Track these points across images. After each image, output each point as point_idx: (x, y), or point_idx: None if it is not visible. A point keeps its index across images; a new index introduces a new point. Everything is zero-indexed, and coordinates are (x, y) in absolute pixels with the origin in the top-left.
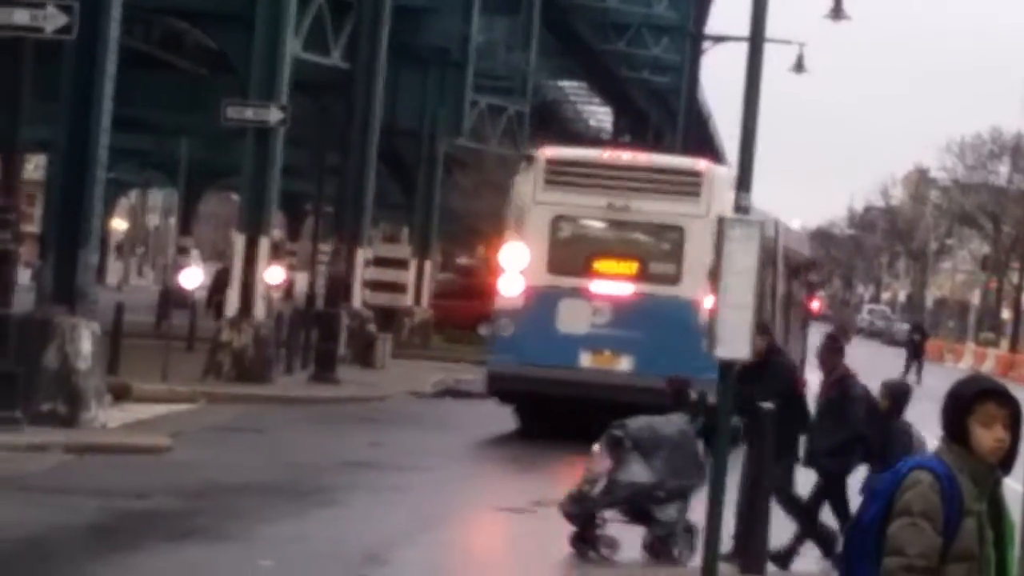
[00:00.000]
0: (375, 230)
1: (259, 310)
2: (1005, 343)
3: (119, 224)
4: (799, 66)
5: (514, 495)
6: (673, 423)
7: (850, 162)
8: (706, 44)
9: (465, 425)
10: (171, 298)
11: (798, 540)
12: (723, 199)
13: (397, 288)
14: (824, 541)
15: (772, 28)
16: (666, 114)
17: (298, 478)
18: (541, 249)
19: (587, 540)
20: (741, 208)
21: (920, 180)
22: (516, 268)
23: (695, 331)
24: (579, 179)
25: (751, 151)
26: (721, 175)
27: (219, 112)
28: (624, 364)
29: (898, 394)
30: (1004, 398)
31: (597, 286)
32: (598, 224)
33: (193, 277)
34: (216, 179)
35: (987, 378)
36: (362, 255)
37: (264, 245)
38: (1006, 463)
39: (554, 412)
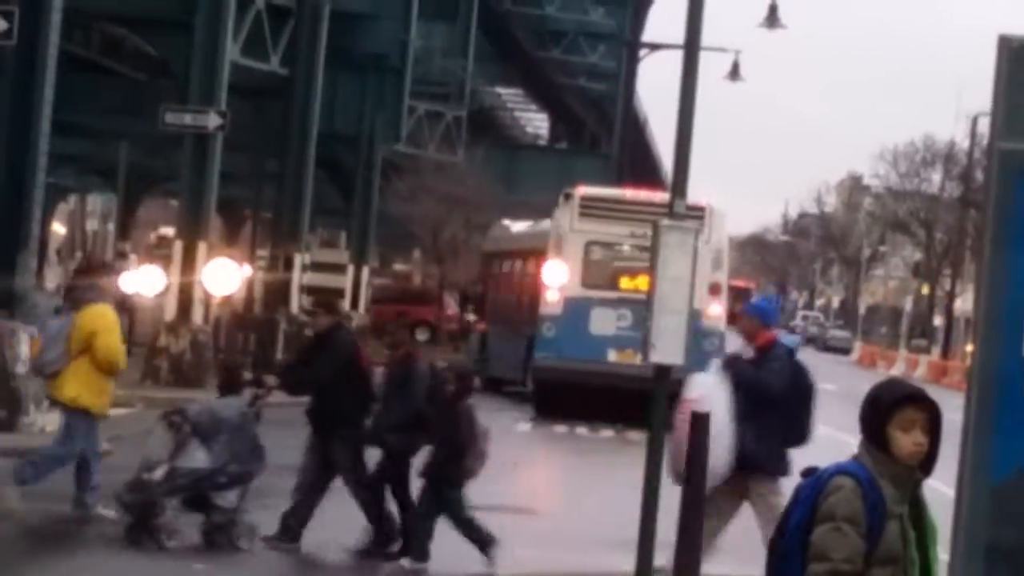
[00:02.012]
0: (312, 235)
1: (197, 315)
2: (937, 350)
3: (58, 229)
4: (734, 73)
5: None
6: (232, 406)
7: (784, 169)
8: (642, 51)
9: None
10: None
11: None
12: (720, 229)
13: (334, 293)
14: (385, 529)
15: (708, 36)
16: (602, 121)
17: None
18: (576, 268)
19: (147, 530)
20: (675, 215)
21: (853, 187)
22: (557, 283)
23: (698, 335)
24: (607, 212)
25: (686, 157)
26: (719, 211)
27: (158, 117)
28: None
29: (463, 376)
30: (922, 402)
31: (621, 297)
32: (622, 248)
33: (133, 281)
34: (155, 184)
35: (905, 382)
36: (300, 260)
37: (202, 250)
38: (926, 466)
39: (583, 398)
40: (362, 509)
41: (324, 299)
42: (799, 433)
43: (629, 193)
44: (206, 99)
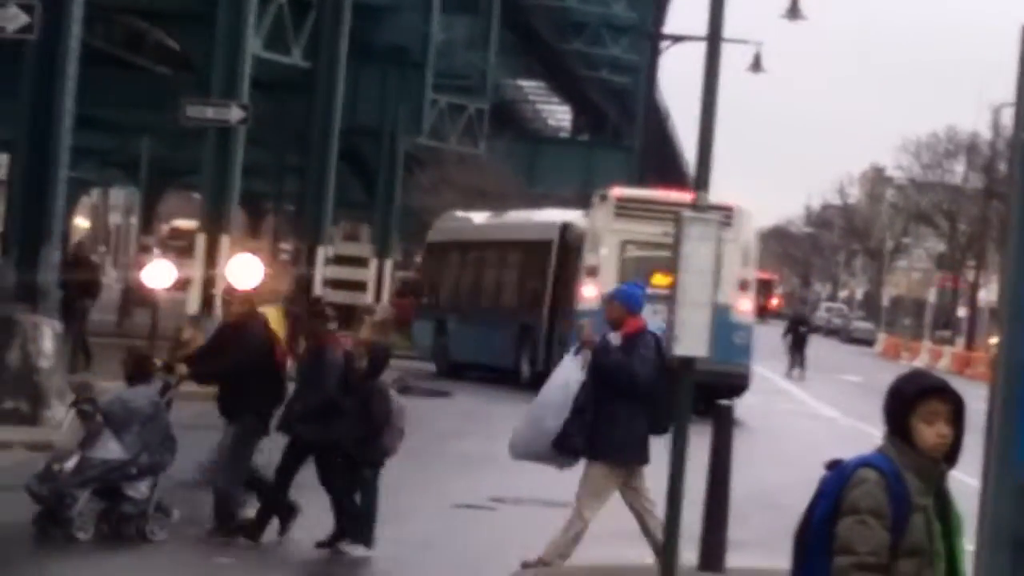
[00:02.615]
0: (335, 228)
1: (220, 308)
2: (961, 341)
3: (81, 223)
4: (756, 65)
5: (470, 492)
6: (143, 395)
7: (807, 161)
8: (664, 44)
9: (421, 422)
10: (132, 296)
11: (266, 512)
12: (748, 228)
13: (357, 286)
14: (285, 515)
15: (730, 28)
16: (624, 113)
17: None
18: (613, 264)
19: (56, 521)
20: (699, 207)
21: (876, 179)
22: (593, 280)
23: (730, 329)
24: (641, 212)
25: (709, 150)
26: (747, 211)
27: (180, 111)
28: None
29: (376, 354)
30: (946, 394)
31: (655, 293)
32: (655, 246)
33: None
34: (177, 178)
35: (928, 374)
36: (322, 253)
37: (225, 243)
38: (950, 457)
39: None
40: (214, 495)
41: (233, 288)
42: (663, 422)
43: (661, 194)
44: (228, 93)
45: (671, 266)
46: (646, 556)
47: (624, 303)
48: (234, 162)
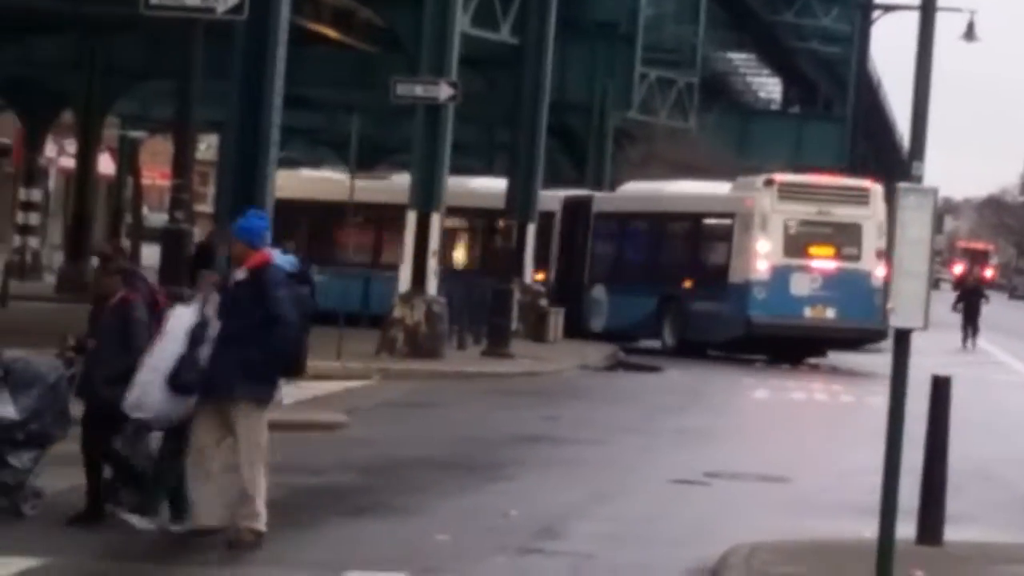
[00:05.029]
0: None
1: (431, 286)
2: None
3: None
4: (969, 34)
5: (685, 467)
6: (51, 365)
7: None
8: (876, 13)
9: (635, 398)
10: None
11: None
12: (881, 206)
13: None
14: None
15: None
16: (835, 84)
17: (472, 452)
18: (778, 241)
19: None
20: (914, 177)
21: None
22: (764, 254)
23: (870, 291)
24: (800, 195)
25: (924, 120)
26: (879, 190)
27: (388, 89)
28: (830, 313)
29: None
30: None
31: (813, 264)
32: (812, 223)
33: None
34: (386, 156)
35: None
36: (532, 230)
37: (436, 221)
38: None
39: (786, 345)
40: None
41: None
42: (299, 364)
43: (816, 178)
44: (436, 70)
45: (825, 240)
46: (863, 530)
47: (242, 238)
48: (444, 139)
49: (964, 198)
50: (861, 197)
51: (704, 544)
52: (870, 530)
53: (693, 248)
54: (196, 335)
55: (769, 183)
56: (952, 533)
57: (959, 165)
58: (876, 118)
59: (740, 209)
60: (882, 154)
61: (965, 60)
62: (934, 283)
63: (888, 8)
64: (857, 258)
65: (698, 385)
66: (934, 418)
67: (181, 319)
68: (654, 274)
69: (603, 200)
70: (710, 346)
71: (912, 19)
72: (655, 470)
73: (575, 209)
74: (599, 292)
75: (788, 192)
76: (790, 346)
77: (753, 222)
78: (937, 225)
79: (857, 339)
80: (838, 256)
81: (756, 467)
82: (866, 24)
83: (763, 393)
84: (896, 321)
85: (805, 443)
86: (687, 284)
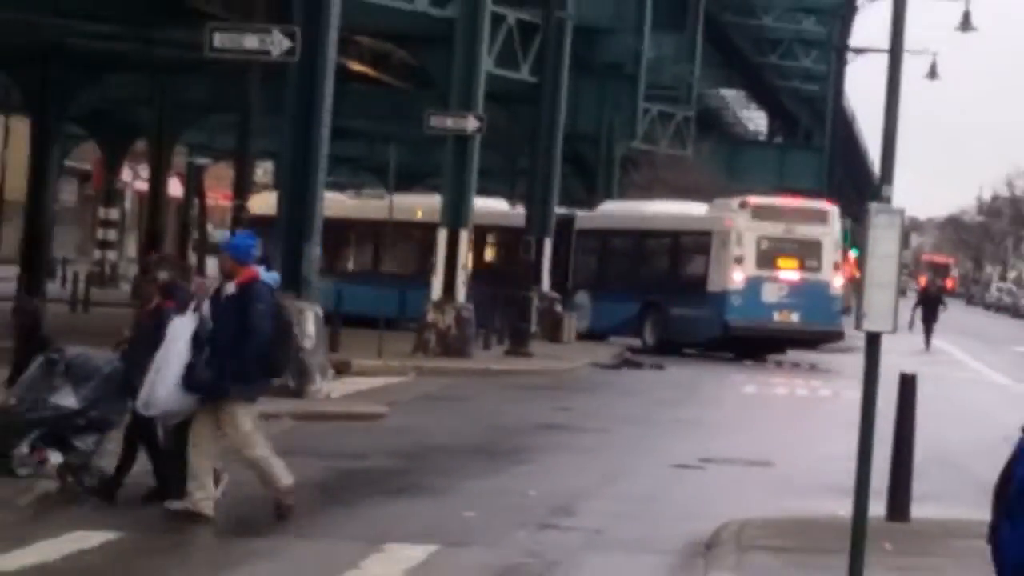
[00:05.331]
0: None
1: (460, 294)
2: None
3: None
4: (932, 73)
5: (683, 453)
6: (107, 359)
7: (979, 159)
8: (850, 55)
9: (638, 392)
10: None
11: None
12: (838, 225)
13: None
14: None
15: (908, 40)
16: (815, 118)
17: (497, 439)
18: (751, 255)
19: (3, 455)
20: (884, 199)
21: None
22: (740, 267)
23: (829, 298)
24: (770, 215)
25: (892, 148)
26: (836, 211)
27: (422, 122)
28: (795, 317)
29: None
30: None
31: (780, 275)
32: (780, 240)
33: None
34: (420, 180)
35: None
36: (549, 244)
37: (464, 237)
38: None
39: (757, 345)
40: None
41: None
42: (277, 366)
43: (786, 200)
44: (465, 105)
45: (791, 255)
46: (839, 509)
47: (232, 254)
48: (471, 166)
49: (927, 217)
50: (821, 217)
51: (699, 521)
52: (845, 508)
53: (673, 260)
54: (199, 339)
55: (744, 205)
56: (918, 511)
57: (924, 188)
58: (851, 147)
59: (718, 227)
60: (856, 179)
61: (929, 97)
62: (901, 292)
63: (860, 51)
64: (818, 269)
65: (694, 381)
66: (902, 410)
67: (182, 326)
68: (636, 282)
69: (584, 218)
70: (687, 345)
71: (882, 61)
72: (656, 456)
73: (560, 226)
74: (582, 297)
75: (760, 213)
76: (757, 346)
77: (730, 239)
78: (904, 241)
79: (818, 340)
80: (802, 268)
81: (745, 453)
82: (841, 65)
83: (751, 388)
84: (868, 325)
85: (788, 432)
86: (668, 291)
